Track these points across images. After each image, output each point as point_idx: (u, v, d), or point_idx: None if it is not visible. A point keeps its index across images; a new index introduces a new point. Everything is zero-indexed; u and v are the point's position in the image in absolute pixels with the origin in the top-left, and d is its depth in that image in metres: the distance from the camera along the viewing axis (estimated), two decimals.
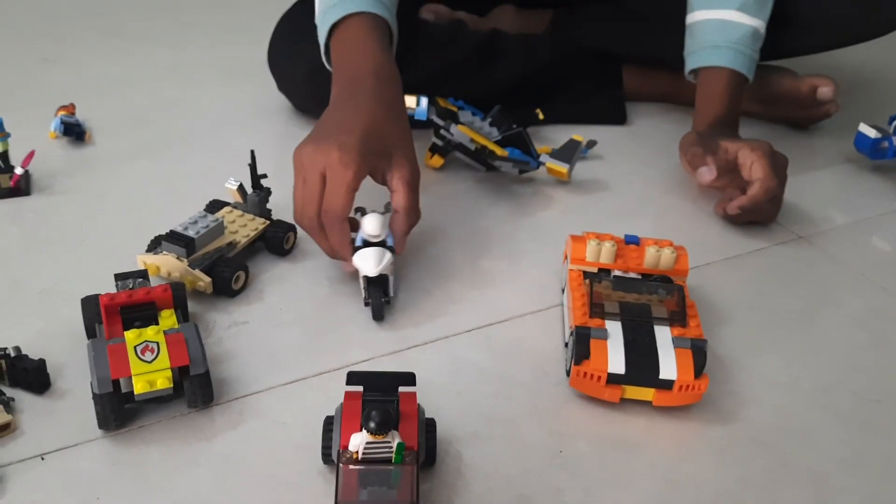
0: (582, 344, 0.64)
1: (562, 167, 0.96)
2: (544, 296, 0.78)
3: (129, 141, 1.03)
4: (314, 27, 1.00)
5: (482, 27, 1.18)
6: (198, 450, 0.59)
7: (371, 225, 0.73)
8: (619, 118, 1.15)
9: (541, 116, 1.08)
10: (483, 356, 0.70)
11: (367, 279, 0.73)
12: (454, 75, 1.06)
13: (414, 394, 0.56)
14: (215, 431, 0.61)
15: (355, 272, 0.74)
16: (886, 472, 0.62)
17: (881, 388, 0.70)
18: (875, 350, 0.74)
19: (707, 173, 0.88)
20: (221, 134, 1.06)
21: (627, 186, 0.99)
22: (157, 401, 0.61)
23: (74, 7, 1.49)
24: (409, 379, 0.56)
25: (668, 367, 0.62)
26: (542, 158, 0.96)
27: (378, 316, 0.73)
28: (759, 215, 0.91)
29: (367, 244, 0.74)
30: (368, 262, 0.72)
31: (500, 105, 1.01)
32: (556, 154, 0.97)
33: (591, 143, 1.04)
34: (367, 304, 0.73)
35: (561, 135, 1.03)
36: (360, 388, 0.56)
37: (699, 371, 0.63)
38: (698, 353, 0.63)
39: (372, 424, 0.51)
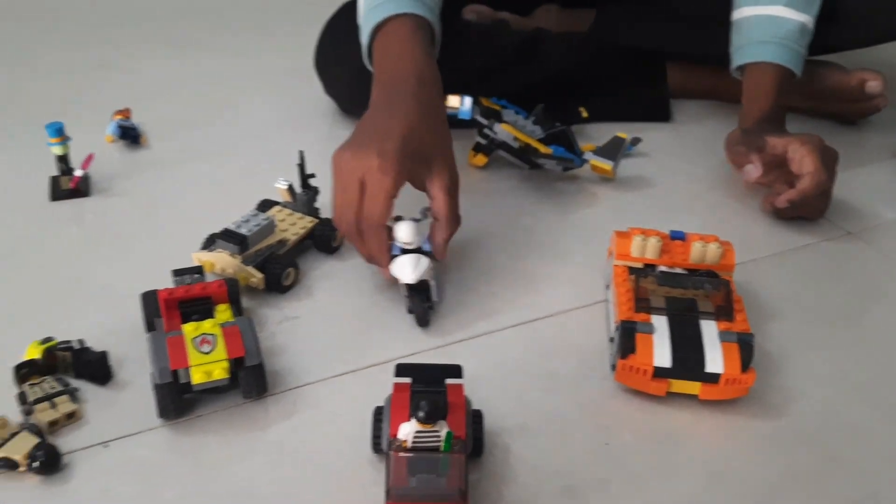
0: (628, 338, 0.65)
1: (606, 164, 0.96)
2: (589, 292, 0.79)
3: (183, 143, 1.06)
4: (358, 30, 1.02)
5: (525, 26, 1.19)
6: (253, 439, 0.61)
7: (404, 232, 0.73)
8: (663, 115, 1.15)
9: (585, 114, 1.08)
10: (528, 351, 0.71)
11: (408, 287, 0.74)
12: (498, 75, 1.07)
13: (461, 385, 0.58)
14: (269, 421, 0.63)
15: (394, 279, 0.74)
16: None
17: None
18: None
19: (753, 171, 0.87)
20: (270, 136, 1.08)
21: (672, 183, 0.99)
22: (213, 391, 0.63)
23: (129, 15, 1.54)
24: (456, 371, 0.58)
25: (715, 360, 0.63)
26: (586, 156, 0.97)
27: (423, 323, 0.73)
28: (808, 210, 0.90)
29: (403, 252, 0.74)
30: (405, 270, 0.72)
31: (543, 104, 1.02)
32: (601, 151, 0.97)
33: (636, 141, 1.05)
34: (410, 312, 0.74)
35: (605, 133, 1.03)
36: (408, 380, 0.58)
37: (746, 365, 0.63)
38: (745, 347, 0.63)
39: (421, 414, 0.52)
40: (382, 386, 0.64)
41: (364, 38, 0.85)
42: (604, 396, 0.66)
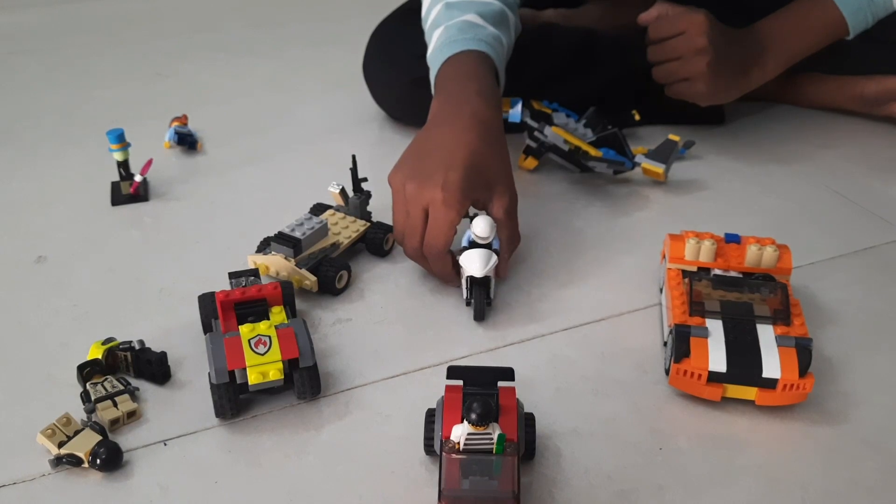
0: (682, 342, 0.64)
1: (658, 167, 0.95)
2: (641, 295, 0.78)
3: (237, 149, 1.08)
4: (407, 39, 1.03)
5: (573, 22, 1.18)
6: (307, 439, 0.62)
7: (480, 227, 0.73)
8: (716, 118, 1.13)
9: (637, 117, 1.07)
10: (581, 354, 0.71)
11: (471, 279, 0.74)
12: (549, 81, 1.07)
13: (513, 388, 0.57)
14: (323, 422, 0.64)
15: (458, 279, 0.76)
16: None
17: None
18: None
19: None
20: (322, 141, 1.10)
21: (726, 186, 0.98)
22: (268, 392, 0.64)
23: (184, 25, 1.58)
24: (508, 374, 0.58)
25: (772, 365, 0.61)
26: (637, 159, 0.96)
27: (480, 316, 0.74)
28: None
29: (473, 245, 0.75)
30: (475, 263, 0.73)
31: (594, 107, 1.01)
32: (653, 154, 0.97)
33: (689, 144, 1.04)
34: (468, 304, 0.75)
35: (658, 135, 1.02)
36: (460, 382, 0.58)
37: (804, 370, 0.61)
38: (803, 352, 0.62)
39: (474, 416, 0.52)
40: (435, 388, 0.65)
41: (433, 73, 0.87)
42: (658, 401, 0.65)
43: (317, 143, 1.09)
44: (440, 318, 0.75)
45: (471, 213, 0.76)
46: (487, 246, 0.74)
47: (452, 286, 0.78)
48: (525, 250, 0.85)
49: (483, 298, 0.74)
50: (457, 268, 0.76)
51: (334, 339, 0.72)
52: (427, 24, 0.92)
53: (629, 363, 0.69)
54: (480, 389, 0.57)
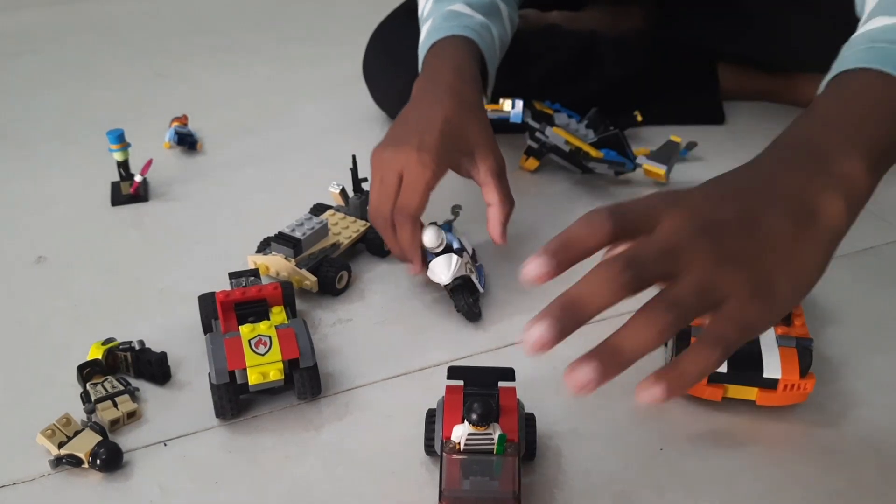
0: (683, 342, 0.64)
1: (659, 168, 0.95)
2: (642, 295, 0.77)
3: (238, 150, 1.08)
4: (407, 39, 1.03)
5: (576, 25, 1.18)
6: (307, 439, 0.62)
7: (428, 237, 0.73)
8: (716, 118, 1.13)
9: (639, 118, 1.07)
10: (581, 354, 0.70)
11: (449, 288, 0.74)
12: (551, 82, 1.07)
13: (513, 388, 0.57)
14: (323, 422, 0.64)
15: (427, 279, 0.75)
16: None
17: None
18: None
19: None
20: (322, 142, 1.10)
21: None
22: (268, 392, 0.64)
23: (184, 25, 1.57)
24: (509, 374, 0.58)
25: (772, 365, 0.61)
26: (639, 160, 0.96)
27: (472, 317, 0.74)
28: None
29: (433, 255, 0.74)
30: (441, 272, 0.73)
31: (596, 107, 1.01)
32: (654, 156, 0.96)
33: (692, 145, 1.04)
34: (459, 311, 0.75)
35: (659, 136, 1.02)
36: (460, 383, 0.58)
37: (805, 370, 0.61)
38: (804, 353, 0.62)
39: (474, 416, 0.52)
40: (435, 388, 0.64)
41: (420, 58, 0.87)
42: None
43: (317, 144, 1.09)
44: (441, 318, 0.75)
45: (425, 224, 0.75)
46: (448, 250, 0.74)
47: (411, 272, 0.75)
48: (525, 250, 0.84)
49: (468, 300, 0.73)
50: (425, 257, 0.74)
51: (334, 340, 0.72)
52: (420, 21, 0.92)
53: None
54: (481, 390, 0.57)
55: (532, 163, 1.01)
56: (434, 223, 0.75)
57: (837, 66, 0.54)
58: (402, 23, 1.11)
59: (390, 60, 1.07)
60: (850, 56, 0.53)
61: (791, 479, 0.58)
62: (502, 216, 0.75)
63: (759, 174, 0.48)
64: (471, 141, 0.75)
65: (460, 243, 0.76)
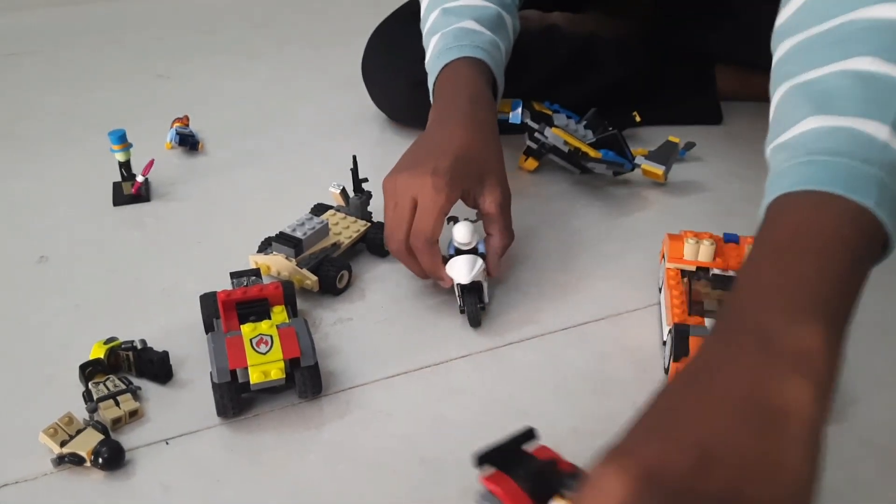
0: (682, 341, 0.64)
1: (657, 169, 0.95)
2: (641, 295, 0.78)
3: (239, 150, 1.08)
4: (406, 41, 1.03)
5: (577, 26, 1.18)
6: (308, 437, 0.62)
7: (461, 233, 0.73)
8: (714, 118, 1.13)
9: (638, 119, 1.07)
10: (580, 354, 0.71)
11: (462, 287, 0.74)
12: (550, 82, 1.07)
13: (544, 446, 0.52)
14: (324, 420, 0.64)
15: (450, 283, 0.75)
16: None
17: None
18: None
19: None
20: (322, 141, 1.10)
21: (725, 187, 0.98)
22: (270, 391, 0.65)
23: (185, 26, 1.58)
24: (530, 434, 0.52)
25: None
26: (637, 160, 0.96)
27: (475, 323, 0.74)
28: None
29: (458, 252, 0.75)
30: (461, 271, 0.73)
31: (595, 108, 1.02)
32: (652, 156, 0.97)
33: (690, 145, 1.04)
34: (462, 312, 0.75)
35: (657, 137, 1.03)
36: (494, 469, 0.50)
37: None
38: None
39: (570, 489, 0.46)
40: (435, 388, 0.65)
41: (430, 80, 0.86)
42: None
43: (317, 144, 1.09)
44: (440, 317, 0.76)
45: (450, 223, 0.76)
46: (473, 251, 0.74)
47: (444, 286, 0.75)
48: (524, 250, 0.85)
49: (476, 304, 0.74)
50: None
51: (335, 339, 0.73)
52: (425, 29, 0.91)
53: (628, 362, 0.70)
54: (516, 464, 0.50)
55: (531, 163, 1.01)
56: (468, 219, 0.75)
57: (775, 183, 0.48)
58: (402, 25, 1.11)
59: (389, 61, 1.08)
60: (787, 171, 0.47)
61: None
62: (500, 249, 0.75)
63: (703, 383, 0.39)
64: (483, 170, 0.74)
65: (483, 248, 0.76)
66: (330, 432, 0.63)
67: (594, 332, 0.74)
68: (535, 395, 0.66)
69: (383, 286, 0.80)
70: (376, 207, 0.87)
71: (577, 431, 0.63)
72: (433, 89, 0.85)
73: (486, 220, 0.75)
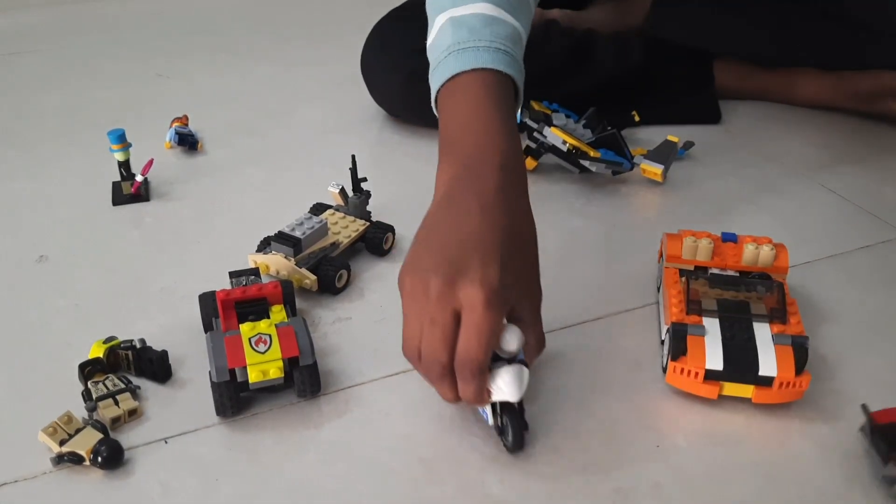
0: (679, 340, 0.64)
1: (656, 168, 0.96)
2: (639, 294, 0.78)
3: (238, 149, 1.08)
4: (405, 35, 1.04)
5: (576, 23, 1.18)
6: (307, 436, 0.62)
7: (511, 341, 0.58)
8: (712, 117, 1.14)
9: (636, 118, 1.08)
10: (578, 352, 0.71)
11: (503, 404, 0.60)
12: (547, 79, 1.07)
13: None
14: (323, 420, 0.64)
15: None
16: None
17: None
18: None
19: None
20: (322, 141, 1.10)
21: (724, 186, 0.98)
22: (269, 390, 0.65)
23: (185, 26, 1.58)
24: None
25: (768, 363, 0.62)
26: (636, 160, 0.96)
27: (519, 445, 0.60)
28: None
29: (496, 359, 0.60)
30: (512, 386, 0.58)
31: (594, 107, 1.02)
32: (651, 155, 0.97)
33: (689, 144, 1.04)
34: (500, 433, 0.61)
35: (657, 136, 1.03)
36: None
37: (800, 368, 0.62)
38: (799, 350, 0.62)
39: None
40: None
41: (435, 81, 0.68)
42: (655, 399, 0.66)
43: (317, 143, 1.10)
44: None
45: None
46: (514, 359, 0.60)
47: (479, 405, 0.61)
48: None
49: (520, 423, 0.60)
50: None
51: (334, 338, 0.73)
52: (429, 2, 0.74)
53: (626, 361, 0.70)
54: None
55: (530, 162, 1.01)
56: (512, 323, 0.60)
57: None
58: (401, 20, 1.12)
59: (387, 57, 1.08)
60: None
61: (786, 477, 0.59)
62: (532, 360, 0.63)
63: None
64: (523, 270, 0.61)
65: (523, 355, 0.61)
66: (328, 431, 0.63)
67: (593, 331, 0.74)
68: (534, 393, 0.66)
69: (382, 285, 0.80)
70: (375, 207, 0.87)
71: (576, 430, 0.63)
72: (440, 115, 0.67)
73: (522, 325, 0.60)
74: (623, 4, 1.25)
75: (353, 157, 0.85)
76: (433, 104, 0.69)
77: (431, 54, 0.70)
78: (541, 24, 1.14)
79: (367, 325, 0.75)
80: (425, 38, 1.09)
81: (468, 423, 0.64)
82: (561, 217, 0.92)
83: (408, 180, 0.99)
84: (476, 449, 0.61)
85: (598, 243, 0.87)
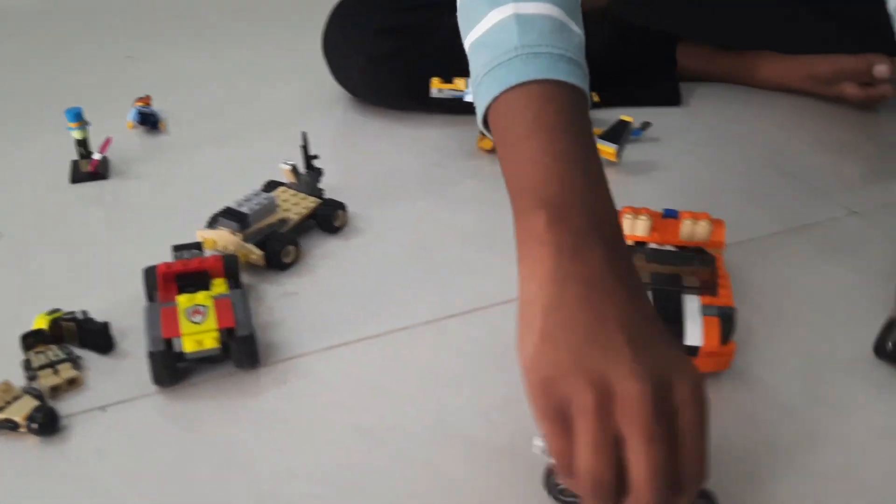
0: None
1: (610, 148, 0.96)
2: None
3: (200, 130, 1.09)
4: (365, 16, 1.04)
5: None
6: (245, 406, 0.64)
7: None
8: (673, 100, 1.14)
9: (596, 99, 1.08)
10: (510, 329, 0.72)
11: None
12: None
13: None
14: (260, 390, 0.65)
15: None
16: None
17: None
18: None
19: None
20: (285, 122, 1.10)
21: (679, 166, 0.99)
22: (208, 361, 0.66)
23: (156, 8, 1.58)
24: None
25: (694, 333, 0.63)
26: None
27: None
28: None
29: None
30: None
31: None
32: (605, 135, 0.98)
33: (646, 125, 1.05)
34: None
35: (617, 117, 1.03)
36: None
37: (726, 338, 0.63)
38: (726, 321, 0.63)
39: None
40: (374, 357, 0.67)
41: (493, 87, 0.55)
42: None
43: (279, 125, 1.10)
44: (384, 291, 0.77)
45: None
46: None
47: None
48: (477, 228, 0.86)
49: None
50: None
51: (279, 312, 0.74)
52: None
53: None
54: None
55: (487, 143, 1.02)
56: None
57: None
58: (362, 3, 1.12)
59: (348, 36, 1.08)
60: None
61: (711, 444, 0.60)
62: None
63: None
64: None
65: None
66: (266, 401, 0.64)
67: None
68: (470, 367, 0.67)
69: (332, 262, 0.81)
70: (328, 185, 0.88)
71: (508, 399, 0.64)
72: (503, 109, 0.55)
73: None
74: None
75: (304, 134, 0.86)
76: (486, 101, 0.56)
77: (484, 49, 0.58)
78: None
79: (313, 299, 0.76)
80: (386, 21, 1.10)
81: (405, 393, 0.65)
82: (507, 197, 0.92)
83: (365, 160, 1.00)
84: (409, 417, 0.62)
85: None
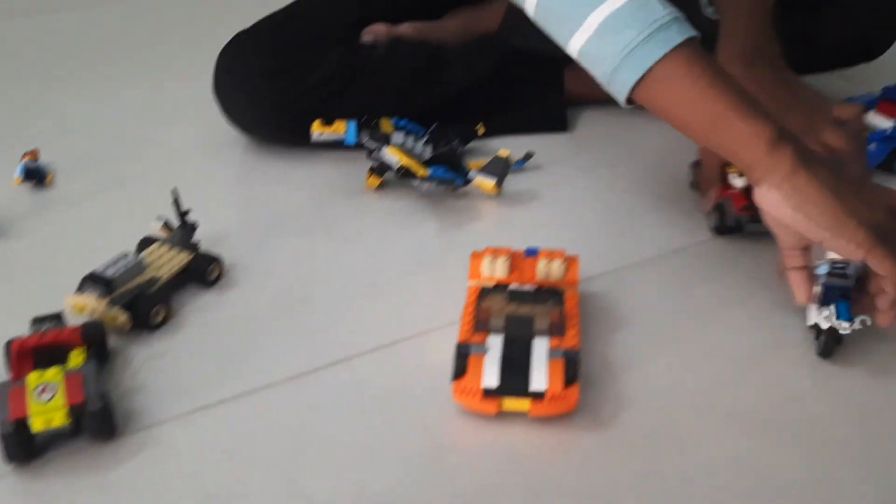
0: (461, 359, 0.67)
1: (489, 182, 0.98)
2: (454, 311, 0.80)
3: (88, 182, 1.08)
4: (251, 59, 1.05)
5: (428, 36, 1.20)
6: (95, 482, 0.63)
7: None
8: (560, 126, 1.16)
9: (481, 131, 1.10)
10: (382, 376, 0.73)
11: None
12: (395, 98, 1.10)
13: None
14: (116, 462, 0.65)
15: None
16: (760, 472, 0.63)
17: (770, 390, 0.70)
18: (773, 350, 0.75)
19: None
20: (180, 168, 1.09)
21: (559, 195, 1.01)
22: (64, 436, 0.66)
23: (59, 51, 1.55)
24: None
25: (539, 378, 0.65)
26: (471, 175, 0.99)
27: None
28: None
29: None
30: None
31: (439, 122, 1.04)
32: (485, 169, 0.99)
33: (528, 156, 1.06)
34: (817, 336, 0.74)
35: (506, 146, 1.03)
36: None
37: (570, 380, 0.65)
38: (569, 364, 0.65)
39: None
40: (229, 420, 0.68)
41: (644, 61, 0.69)
42: (444, 417, 0.68)
43: (171, 173, 1.07)
44: (253, 347, 0.77)
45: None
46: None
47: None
48: (357, 268, 0.87)
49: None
50: None
51: (144, 377, 0.74)
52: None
53: (425, 379, 0.72)
54: None
55: (373, 181, 1.03)
56: None
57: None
58: (252, 42, 1.12)
59: (237, 78, 1.08)
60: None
61: (548, 488, 0.61)
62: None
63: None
64: None
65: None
66: (120, 474, 0.64)
67: (404, 351, 0.76)
68: (333, 422, 0.68)
69: (203, 318, 0.81)
70: (205, 237, 0.88)
71: (372, 450, 0.65)
72: (680, 72, 0.68)
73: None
74: (478, 11, 1.27)
75: (174, 190, 0.86)
76: (635, 77, 0.70)
77: (616, 34, 0.70)
78: (388, 42, 1.16)
79: (180, 360, 0.76)
80: (272, 61, 1.11)
81: (256, 457, 0.65)
82: (408, 233, 0.94)
83: (257, 203, 1.00)
84: (258, 481, 0.63)
85: (430, 260, 0.89)
